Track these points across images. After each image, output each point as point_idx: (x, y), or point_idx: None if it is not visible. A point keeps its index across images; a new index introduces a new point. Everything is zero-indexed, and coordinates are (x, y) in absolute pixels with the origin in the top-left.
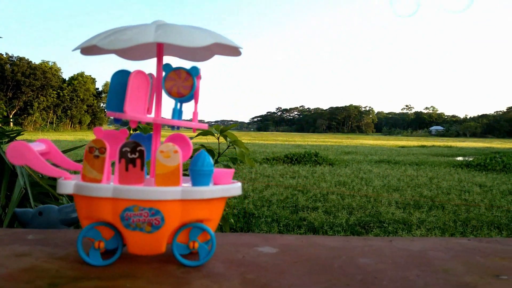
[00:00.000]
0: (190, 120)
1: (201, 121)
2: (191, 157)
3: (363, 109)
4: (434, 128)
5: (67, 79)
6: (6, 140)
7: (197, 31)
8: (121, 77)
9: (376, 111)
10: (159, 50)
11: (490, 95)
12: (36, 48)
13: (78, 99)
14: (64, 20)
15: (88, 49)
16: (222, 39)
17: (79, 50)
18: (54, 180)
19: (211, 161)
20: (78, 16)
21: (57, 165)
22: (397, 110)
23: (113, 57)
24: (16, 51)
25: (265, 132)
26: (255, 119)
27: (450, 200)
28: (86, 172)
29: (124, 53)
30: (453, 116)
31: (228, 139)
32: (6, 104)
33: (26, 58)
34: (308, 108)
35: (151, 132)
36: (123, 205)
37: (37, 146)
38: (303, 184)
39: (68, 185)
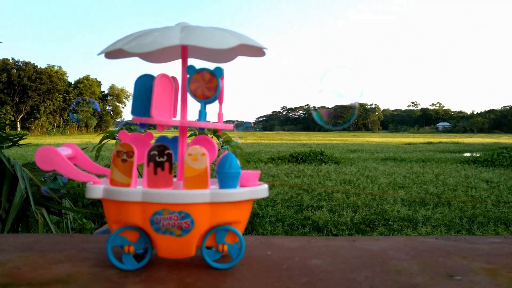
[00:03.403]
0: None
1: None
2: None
3: (369, 106)
4: (440, 124)
5: (72, 82)
6: (9, 144)
7: (222, 33)
8: (144, 81)
9: (382, 109)
10: (183, 52)
11: (497, 90)
12: (42, 52)
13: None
14: (69, 24)
15: (113, 53)
16: (247, 40)
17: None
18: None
19: (238, 163)
20: (83, 20)
21: (83, 169)
22: (403, 107)
23: (115, 61)
24: (22, 56)
25: (271, 132)
26: (260, 119)
27: (456, 196)
28: (115, 176)
29: (148, 56)
30: (460, 112)
31: (220, 139)
32: (12, 108)
33: (32, 62)
34: (313, 107)
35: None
36: (152, 209)
37: (64, 151)
38: (308, 183)
39: (97, 189)
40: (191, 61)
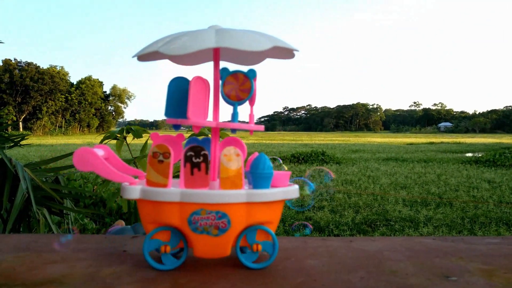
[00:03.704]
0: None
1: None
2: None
3: (371, 107)
4: (443, 124)
5: (75, 83)
6: (11, 144)
7: (256, 35)
8: (178, 84)
9: (384, 109)
10: (216, 54)
11: (499, 90)
12: (44, 53)
13: (86, 102)
14: (71, 24)
15: (146, 56)
16: (281, 42)
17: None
18: (56, 184)
19: (271, 164)
20: (84, 21)
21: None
22: (405, 107)
23: (116, 59)
24: (24, 57)
25: (272, 132)
26: (262, 119)
27: (458, 197)
28: (151, 177)
29: (179, 58)
30: (462, 112)
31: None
32: (14, 109)
33: (34, 63)
34: (315, 107)
35: (207, 136)
36: (190, 209)
37: (98, 152)
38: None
39: (134, 190)
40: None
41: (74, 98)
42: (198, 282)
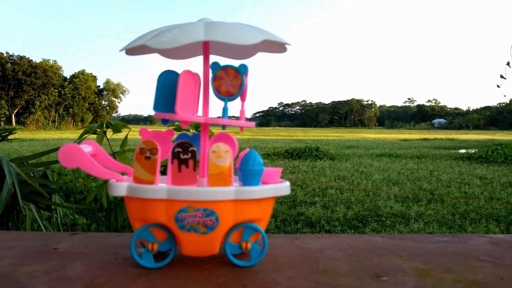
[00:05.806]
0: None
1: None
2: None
3: (365, 103)
4: (436, 120)
5: (68, 77)
6: None
7: (246, 29)
8: (167, 77)
9: (378, 105)
10: (205, 48)
11: (493, 86)
12: (36, 46)
13: (80, 97)
14: (64, 18)
15: (134, 49)
16: (271, 36)
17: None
18: (44, 178)
19: (261, 160)
20: (77, 14)
21: (104, 166)
22: (400, 103)
23: (111, 55)
24: (16, 50)
25: (267, 128)
26: (257, 115)
27: (450, 193)
28: (138, 174)
29: (168, 52)
30: (456, 109)
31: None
32: (7, 103)
33: (26, 57)
34: (310, 102)
35: (196, 132)
36: (178, 206)
37: (85, 148)
38: (302, 179)
39: (121, 187)
40: (211, 58)
41: (68, 93)
42: (116, 282)
